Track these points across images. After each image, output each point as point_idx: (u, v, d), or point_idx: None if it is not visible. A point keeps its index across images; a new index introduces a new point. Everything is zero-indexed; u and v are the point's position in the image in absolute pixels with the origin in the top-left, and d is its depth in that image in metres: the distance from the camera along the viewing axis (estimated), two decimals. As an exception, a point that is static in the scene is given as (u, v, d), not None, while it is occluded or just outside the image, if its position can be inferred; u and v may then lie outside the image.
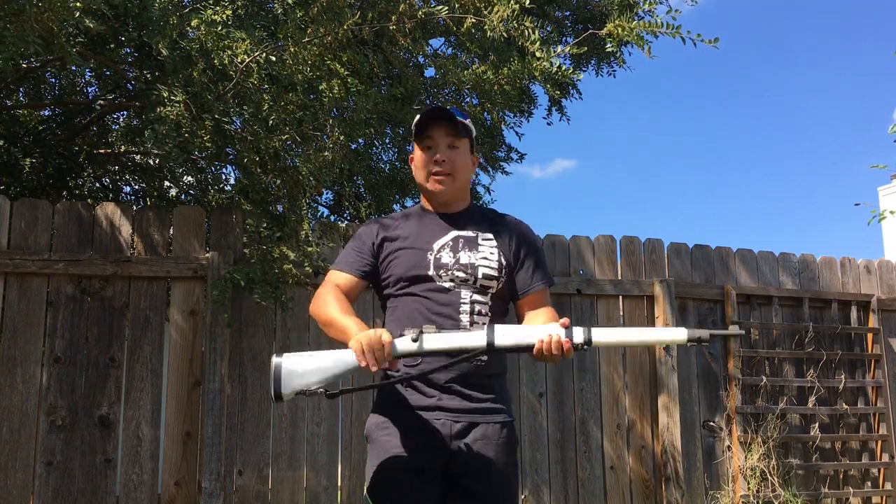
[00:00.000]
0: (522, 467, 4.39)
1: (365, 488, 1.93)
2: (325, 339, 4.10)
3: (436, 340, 1.79)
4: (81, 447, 3.72)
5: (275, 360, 1.79)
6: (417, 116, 2.06)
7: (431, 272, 1.94)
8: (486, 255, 1.98)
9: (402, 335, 1.80)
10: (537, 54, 3.38)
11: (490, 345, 1.78)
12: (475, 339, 1.79)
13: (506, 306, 2.05)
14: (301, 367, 1.78)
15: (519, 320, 2.03)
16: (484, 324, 1.90)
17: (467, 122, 2.05)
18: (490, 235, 2.02)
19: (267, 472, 3.97)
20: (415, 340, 1.78)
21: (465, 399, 1.90)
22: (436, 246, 1.97)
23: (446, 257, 1.96)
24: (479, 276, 1.95)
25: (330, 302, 1.94)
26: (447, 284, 1.94)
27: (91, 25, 3.16)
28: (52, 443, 3.68)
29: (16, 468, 3.63)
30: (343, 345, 1.83)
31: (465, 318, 1.92)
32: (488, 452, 1.90)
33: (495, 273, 1.97)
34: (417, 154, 2.05)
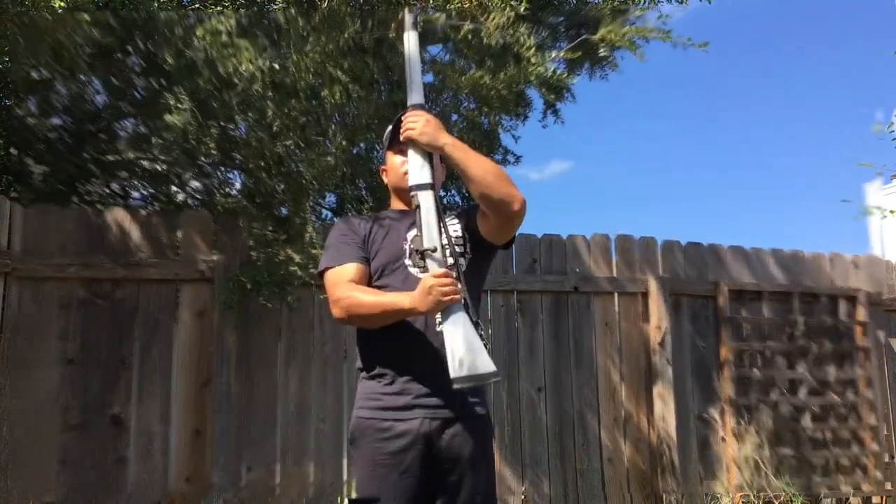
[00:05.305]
0: (522, 460, 4.51)
1: (352, 492, 2.02)
2: (329, 337, 4.26)
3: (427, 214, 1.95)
4: (94, 446, 3.82)
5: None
6: (389, 127, 2.14)
7: (407, 261, 2.02)
8: (451, 233, 2.05)
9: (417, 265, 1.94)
10: (532, 60, 3.49)
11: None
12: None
13: (480, 289, 2.12)
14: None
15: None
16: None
17: None
18: (456, 221, 2.11)
19: (275, 468, 4.07)
20: (434, 251, 1.90)
21: (441, 396, 1.94)
22: (409, 236, 2.04)
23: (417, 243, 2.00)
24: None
25: (359, 294, 1.97)
26: (414, 271, 2.00)
27: (99, 38, 3.27)
28: (65, 442, 3.78)
29: (31, 467, 3.72)
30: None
31: None
32: (466, 448, 1.95)
33: (461, 248, 2.05)
34: (391, 161, 2.15)
